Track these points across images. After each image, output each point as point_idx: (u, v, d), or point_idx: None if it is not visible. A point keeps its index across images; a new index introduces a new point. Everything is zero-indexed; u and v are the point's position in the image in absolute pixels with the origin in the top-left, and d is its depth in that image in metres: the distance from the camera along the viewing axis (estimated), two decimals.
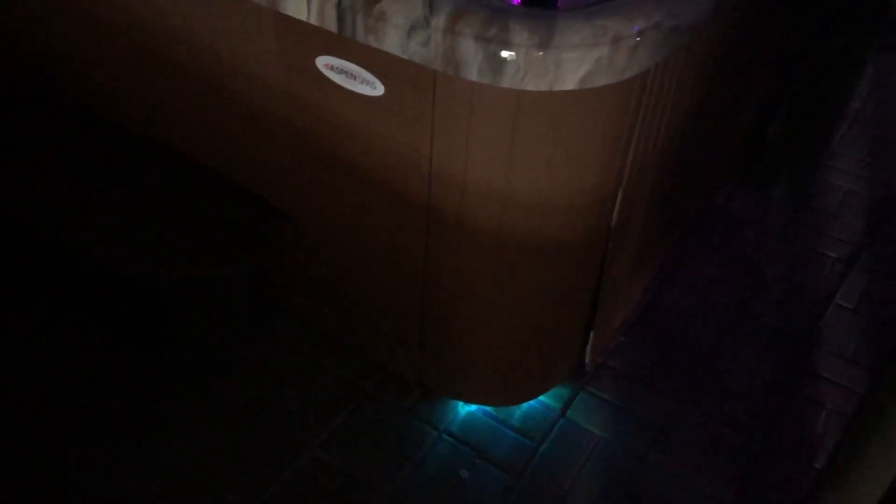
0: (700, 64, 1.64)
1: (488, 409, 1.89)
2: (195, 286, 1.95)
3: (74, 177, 1.98)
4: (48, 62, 2.03)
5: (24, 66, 2.10)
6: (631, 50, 1.26)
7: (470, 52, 1.24)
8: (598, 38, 1.23)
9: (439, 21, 1.25)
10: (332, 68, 1.43)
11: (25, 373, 1.93)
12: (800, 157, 2.57)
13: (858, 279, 2.34)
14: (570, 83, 1.26)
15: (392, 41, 1.30)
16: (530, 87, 1.26)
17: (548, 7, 1.29)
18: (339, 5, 1.33)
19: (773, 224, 2.51)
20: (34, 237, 2.10)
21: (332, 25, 1.35)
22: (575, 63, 1.24)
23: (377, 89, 1.40)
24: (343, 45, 1.39)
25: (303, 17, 1.38)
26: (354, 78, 1.41)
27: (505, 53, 1.23)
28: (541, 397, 1.91)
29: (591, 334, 1.81)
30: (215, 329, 2.07)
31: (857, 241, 2.47)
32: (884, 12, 2.29)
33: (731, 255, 2.39)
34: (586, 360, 1.88)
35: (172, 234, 1.94)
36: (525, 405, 1.90)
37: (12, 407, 1.85)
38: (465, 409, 1.89)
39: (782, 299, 2.27)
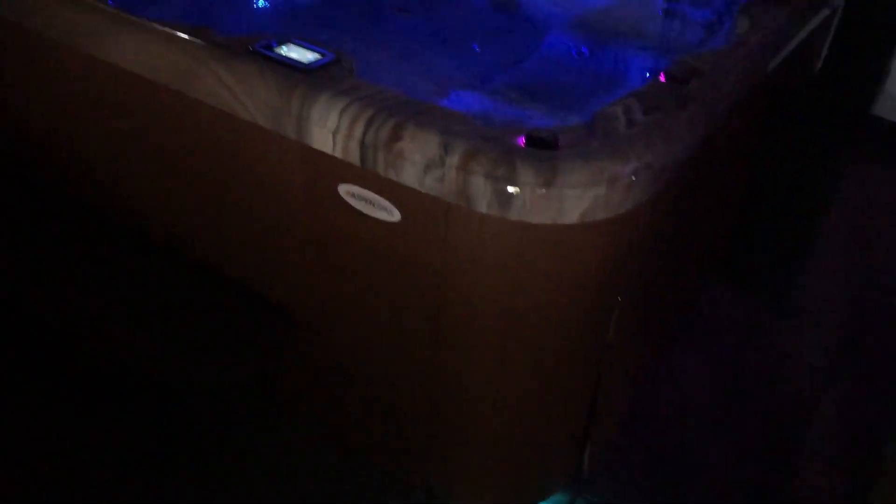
0: (686, 191, 1.80)
1: None
2: (203, 388, 2.04)
3: (91, 282, 2.08)
4: (71, 172, 2.17)
5: (49, 175, 2.24)
6: (626, 188, 1.40)
7: (480, 188, 1.38)
8: (596, 178, 1.38)
9: (453, 160, 1.39)
10: (352, 195, 1.56)
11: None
12: (780, 261, 2.72)
13: (841, 385, 2.46)
14: (571, 217, 1.39)
15: (410, 176, 1.44)
16: (535, 220, 1.39)
17: (551, 148, 1.43)
18: (362, 142, 1.47)
19: (756, 327, 2.64)
20: (45, 336, 2.19)
21: (354, 159, 1.49)
22: (576, 200, 1.37)
23: (394, 216, 1.53)
24: (364, 176, 1.52)
25: (328, 150, 1.52)
26: (373, 205, 1.54)
27: (512, 190, 1.36)
28: None
29: (588, 444, 1.91)
30: (222, 430, 2.15)
31: (839, 346, 2.60)
32: (858, 128, 2.49)
33: (715, 357, 2.50)
34: (584, 468, 1.96)
35: (181, 337, 2.04)
36: None
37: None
38: None
39: (765, 403, 2.37)
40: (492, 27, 2.71)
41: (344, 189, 1.58)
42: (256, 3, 2.71)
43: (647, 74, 2.38)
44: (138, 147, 1.95)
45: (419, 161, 1.42)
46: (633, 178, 1.41)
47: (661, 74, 1.78)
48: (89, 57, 1.83)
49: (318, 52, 1.73)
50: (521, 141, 1.48)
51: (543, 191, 1.36)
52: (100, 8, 1.83)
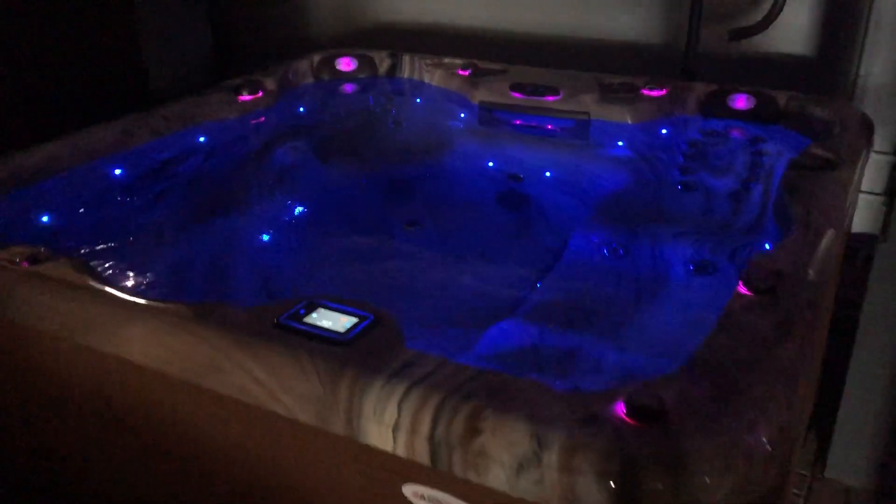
0: None
1: None
2: None
3: None
4: (67, 480, 1.88)
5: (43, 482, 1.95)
6: (766, 460, 1.16)
7: (593, 490, 1.12)
8: (729, 459, 1.13)
9: (551, 458, 1.14)
10: (422, 497, 1.30)
11: None
12: None
13: None
14: None
15: (497, 478, 1.18)
16: None
17: (661, 418, 1.20)
18: (431, 439, 1.22)
19: None
20: None
21: (423, 458, 1.24)
22: (710, 490, 1.12)
23: None
24: (436, 476, 1.26)
25: (388, 448, 1.27)
26: None
27: (632, 489, 1.11)
28: None
29: None
30: None
31: None
32: None
33: None
34: None
35: None
36: None
37: None
38: None
39: None
40: (506, 232, 2.55)
41: (410, 490, 1.32)
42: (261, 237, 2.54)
43: (691, 267, 2.21)
44: (151, 450, 1.68)
45: (508, 461, 1.17)
46: (770, 448, 1.17)
47: (741, 285, 1.58)
48: (87, 349, 1.60)
49: (353, 314, 1.51)
50: (621, 410, 1.24)
51: (669, 484, 1.11)
52: (102, 294, 1.61)
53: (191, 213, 2.49)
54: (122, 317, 1.55)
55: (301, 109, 3.25)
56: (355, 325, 1.48)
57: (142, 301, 1.59)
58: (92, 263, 2.07)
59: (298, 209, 2.65)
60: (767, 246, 2.00)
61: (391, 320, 1.50)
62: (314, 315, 1.52)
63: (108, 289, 1.64)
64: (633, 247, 2.28)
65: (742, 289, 1.56)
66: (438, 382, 1.28)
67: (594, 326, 1.97)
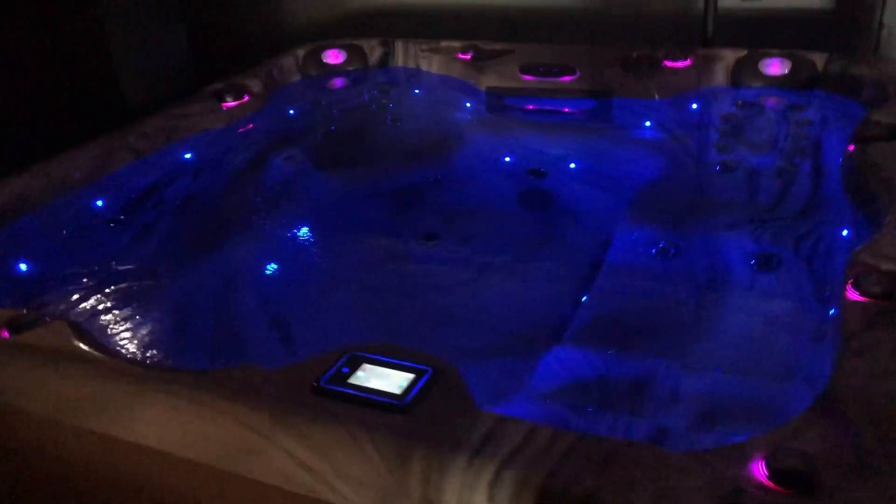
0: None
1: None
2: None
3: None
4: None
5: None
6: None
7: None
8: None
9: None
10: None
11: None
12: None
13: None
14: None
15: None
16: None
17: (811, 486, 0.97)
18: None
19: None
20: None
21: None
22: None
23: None
24: None
25: None
26: None
27: None
28: None
29: None
30: None
31: None
32: None
33: None
34: None
35: None
36: None
37: None
38: None
39: None
40: (535, 238, 2.30)
41: None
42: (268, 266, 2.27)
43: (753, 263, 1.98)
44: None
45: None
46: None
47: (850, 289, 1.35)
48: (90, 433, 1.34)
49: (406, 368, 1.27)
50: (762, 473, 1.02)
51: None
52: (103, 366, 1.36)
53: (186, 244, 2.23)
54: (130, 393, 1.30)
55: (291, 112, 2.98)
56: (413, 384, 1.24)
57: (151, 371, 1.34)
58: (82, 320, 1.82)
59: (303, 231, 2.39)
60: (845, 232, 1.78)
61: (452, 372, 1.26)
62: (360, 373, 1.28)
63: (109, 358, 1.39)
64: (684, 244, 2.05)
65: (852, 293, 1.34)
66: (534, 458, 1.04)
67: (658, 345, 1.74)
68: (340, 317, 2.04)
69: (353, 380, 1.26)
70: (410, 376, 1.25)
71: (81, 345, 1.42)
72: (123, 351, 1.68)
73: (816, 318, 1.75)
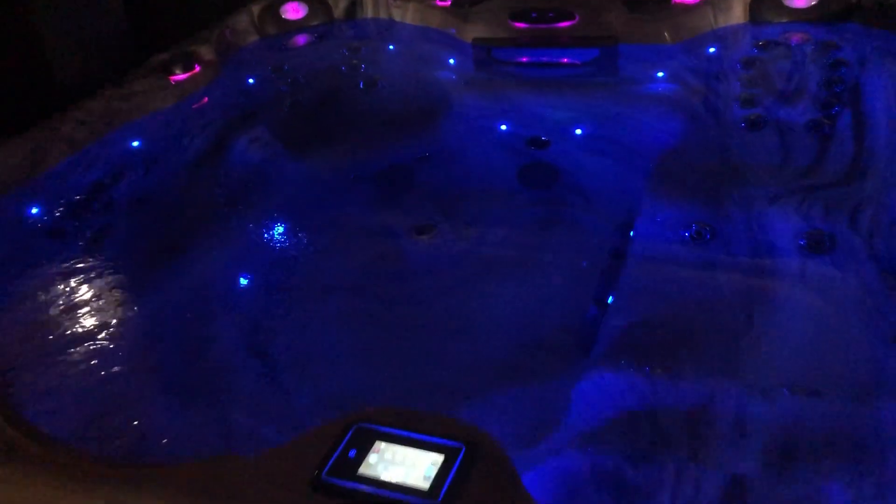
0: None
1: None
2: None
3: None
4: None
5: None
6: None
7: None
8: None
9: None
10: None
11: None
12: None
13: None
14: None
15: None
16: None
17: None
18: None
19: None
20: None
21: None
22: None
23: None
24: None
25: None
26: None
27: None
28: None
29: None
30: None
31: None
32: None
33: None
34: None
35: None
36: None
37: None
38: None
39: None
40: (542, 223, 1.98)
41: None
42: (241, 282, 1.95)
43: (803, 243, 1.71)
44: None
45: None
46: None
47: None
48: None
49: (431, 446, 1.00)
50: None
51: None
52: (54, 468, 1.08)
53: (142, 257, 1.91)
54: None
55: (250, 80, 2.63)
56: (443, 470, 0.96)
57: (106, 468, 1.08)
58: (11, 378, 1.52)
59: (278, 230, 2.07)
60: None
61: (490, 445, 1.00)
62: (372, 457, 0.99)
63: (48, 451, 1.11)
64: (720, 225, 1.78)
65: None
66: None
67: (707, 358, 1.48)
68: (329, 336, 1.76)
69: (364, 468, 0.99)
70: (439, 458, 0.98)
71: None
72: (70, 431, 1.38)
73: (889, 311, 1.50)
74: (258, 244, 2.04)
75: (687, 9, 2.26)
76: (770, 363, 1.49)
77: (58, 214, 2.03)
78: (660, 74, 2.24)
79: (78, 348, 1.71)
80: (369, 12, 2.74)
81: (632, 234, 1.86)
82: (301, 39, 2.78)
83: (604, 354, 1.53)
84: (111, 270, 1.91)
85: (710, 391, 1.43)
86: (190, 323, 1.84)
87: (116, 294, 1.85)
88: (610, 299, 1.73)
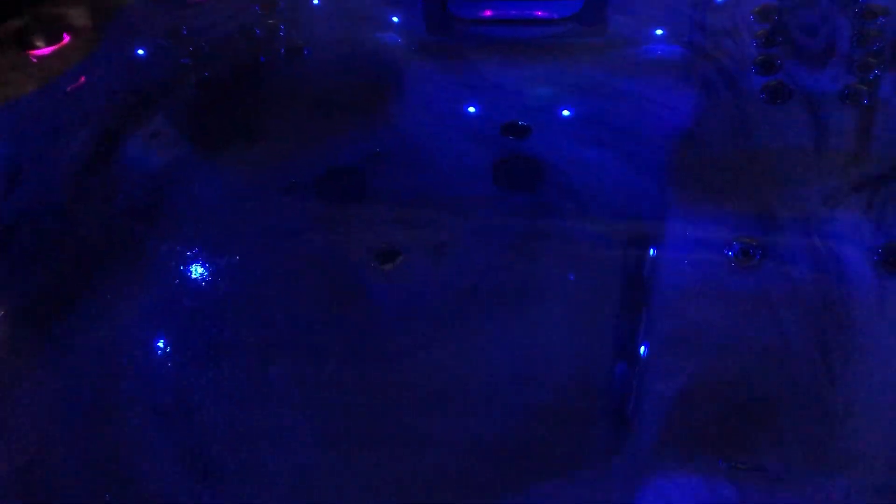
0: None
1: None
2: None
3: None
4: None
5: None
6: None
7: None
8: None
9: None
10: None
11: None
12: None
13: None
14: None
15: None
16: None
17: None
18: None
19: None
20: None
21: None
22: None
23: None
24: None
25: None
26: None
27: None
28: None
29: None
30: None
31: None
32: None
33: None
34: None
35: None
36: None
37: None
38: None
39: None
40: (532, 240, 1.54)
41: None
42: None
43: (876, 259, 1.36)
44: None
45: None
46: None
47: None
48: None
49: None
50: None
51: None
52: None
53: (16, 315, 1.42)
54: None
55: (139, 52, 2.07)
56: None
57: None
58: None
59: (197, 269, 1.55)
60: None
61: None
62: None
63: None
64: (770, 238, 1.41)
65: None
66: None
67: (788, 438, 1.13)
68: (277, 420, 1.33)
69: None
70: None
71: None
72: None
73: None
74: (171, 284, 1.56)
75: None
76: (868, 445, 1.15)
77: None
78: (658, 32, 1.82)
79: None
80: None
81: (652, 253, 1.48)
82: None
83: (660, 441, 1.16)
84: None
85: (803, 495, 1.08)
86: (84, 413, 1.37)
87: None
88: (641, 350, 1.36)
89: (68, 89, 1.92)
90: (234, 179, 1.73)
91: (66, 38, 1.98)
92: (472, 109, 1.85)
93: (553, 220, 1.64)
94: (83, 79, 1.96)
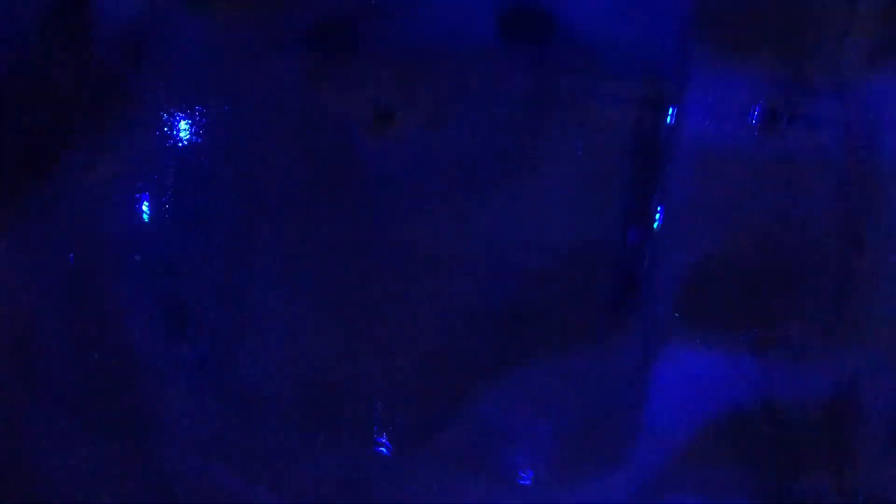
0: None
1: None
2: None
3: None
4: None
5: None
6: None
7: None
8: None
9: None
10: None
11: None
12: None
13: None
14: None
15: None
16: None
17: None
18: None
19: None
20: None
21: None
22: None
23: None
24: None
25: None
26: None
27: None
28: None
29: None
30: None
31: None
32: None
33: None
34: None
35: None
36: None
37: None
38: None
39: None
40: (531, 90, 1.43)
41: None
42: None
43: None
44: None
45: None
46: None
47: None
48: None
49: None
50: None
51: None
52: None
53: None
54: None
55: None
56: None
57: None
58: None
59: (182, 124, 1.43)
60: None
61: None
62: None
63: None
64: (801, 101, 1.30)
65: None
66: None
67: (825, 317, 1.07)
68: (264, 280, 1.26)
69: None
70: None
71: None
72: None
73: None
74: (157, 146, 1.46)
75: None
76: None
77: None
78: None
79: None
80: None
81: (670, 117, 1.37)
82: None
83: (676, 312, 1.10)
84: None
85: (844, 371, 1.03)
86: (74, 271, 1.31)
87: None
88: (657, 219, 1.27)
89: None
90: (219, 30, 1.61)
91: None
92: None
93: (560, 77, 1.53)
94: None
